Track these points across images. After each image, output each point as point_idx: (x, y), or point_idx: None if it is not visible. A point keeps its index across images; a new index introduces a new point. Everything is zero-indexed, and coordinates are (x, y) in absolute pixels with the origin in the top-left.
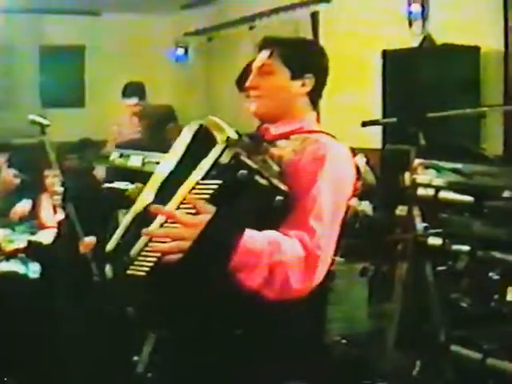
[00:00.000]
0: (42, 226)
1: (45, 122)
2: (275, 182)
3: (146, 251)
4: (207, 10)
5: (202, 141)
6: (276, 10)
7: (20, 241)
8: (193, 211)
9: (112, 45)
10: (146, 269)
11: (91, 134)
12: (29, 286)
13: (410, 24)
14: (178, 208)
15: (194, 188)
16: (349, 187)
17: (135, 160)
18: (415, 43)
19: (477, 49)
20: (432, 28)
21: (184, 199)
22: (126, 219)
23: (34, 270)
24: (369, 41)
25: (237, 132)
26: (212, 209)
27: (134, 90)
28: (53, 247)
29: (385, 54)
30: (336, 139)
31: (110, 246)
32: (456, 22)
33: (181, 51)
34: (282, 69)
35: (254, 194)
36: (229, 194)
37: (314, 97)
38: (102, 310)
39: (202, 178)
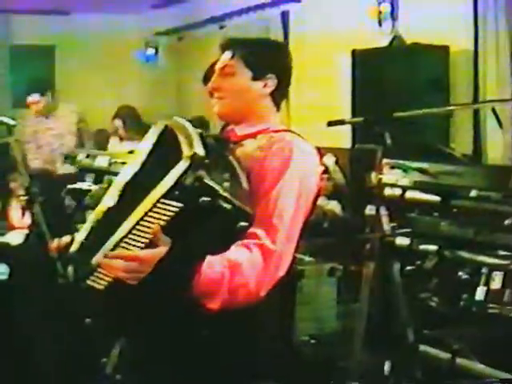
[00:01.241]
0: (10, 228)
1: (11, 122)
2: (240, 205)
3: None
4: (178, 9)
5: (167, 144)
6: (246, 10)
7: None
8: (149, 235)
9: (82, 44)
10: (104, 283)
11: None
12: None
13: (380, 23)
14: (137, 224)
15: (154, 206)
16: (314, 185)
17: (102, 160)
18: (385, 42)
19: (446, 48)
20: (401, 27)
21: (143, 218)
22: (88, 221)
23: (1, 271)
24: (338, 40)
25: (201, 133)
26: (168, 241)
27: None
28: (21, 248)
29: (354, 53)
30: (302, 137)
31: (73, 248)
32: (425, 21)
33: (151, 51)
34: (243, 70)
35: (216, 218)
36: (190, 218)
37: (278, 97)
38: (67, 312)
39: (164, 196)
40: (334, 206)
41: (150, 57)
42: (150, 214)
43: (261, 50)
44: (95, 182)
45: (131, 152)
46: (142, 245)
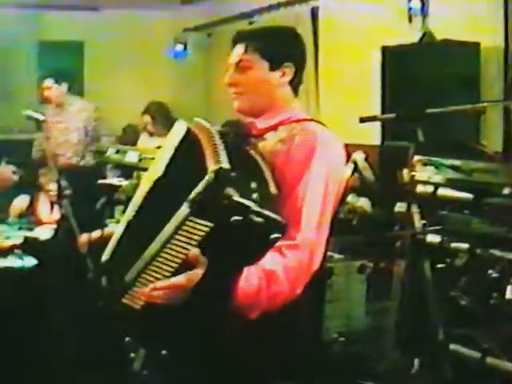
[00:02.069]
0: (39, 222)
1: (40, 117)
2: (271, 216)
3: (143, 283)
4: (206, 5)
5: (189, 151)
6: (276, 6)
7: (17, 237)
8: (182, 256)
9: (111, 40)
10: (141, 303)
11: None
12: (25, 282)
13: (410, 20)
14: (168, 242)
15: (183, 224)
16: (341, 174)
17: (132, 156)
18: (415, 39)
19: (477, 45)
20: (432, 24)
21: (173, 236)
22: (118, 228)
23: (30, 265)
24: (368, 36)
25: (221, 132)
26: (205, 262)
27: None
28: (49, 243)
29: (384, 49)
30: (324, 126)
31: (105, 257)
32: (456, 17)
33: (180, 47)
34: (259, 62)
35: (249, 234)
36: (222, 236)
37: (295, 84)
38: (96, 306)
39: (192, 214)
40: (364, 203)
41: (179, 53)
42: (180, 232)
43: (274, 40)
44: (126, 178)
45: (159, 147)
46: (176, 265)
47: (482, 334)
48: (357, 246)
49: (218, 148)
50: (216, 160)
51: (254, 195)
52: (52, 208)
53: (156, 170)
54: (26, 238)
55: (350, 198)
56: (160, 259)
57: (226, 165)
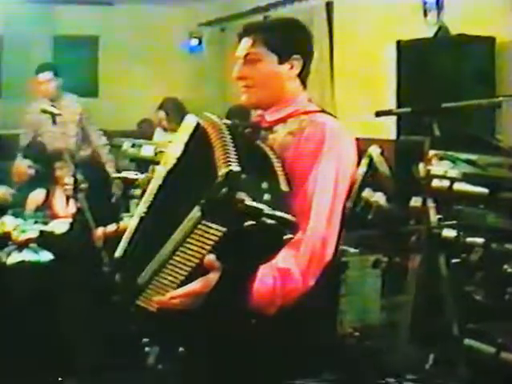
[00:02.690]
0: (54, 216)
1: (56, 111)
2: (283, 216)
3: (156, 286)
4: (221, 0)
5: (199, 148)
6: (291, 0)
7: (32, 231)
8: (196, 260)
9: (125, 35)
10: (157, 306)
11: (105, 123)
12: (41, 275)
13: (425, 14)
14: (181, 245)
15: (196, 227)
16: (350, 166)
17: (147, 150)
18: (430, 33)
19: (492, 39)
20: (447, 18)
21: (186, 239)
22: (131, 224)
23: (46, 259)
24: (383, 30)
25: (230, 125)
26: (219, 266)
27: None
28: (65, 237)
29: (399, 44)
30: (334, 117)
31: (118, 253)
32: (471, 12)
33: (195, 42)
34: (267, 55)
35: (262, 236)
36: (235, 240)
37: (304, 77)
38: (111, 300)
39: (204, 217)
40: (380, 198)
41: (194, 47)
42: (193, 236)
43: (282, 32)
44: (141, 172)
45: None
46: (190, 269)
47: (496, 329)
48: (372, 240)
49: (227, 147)
50: (226, 161)
51: (266, 196)
52: (68, 202)
53: (166, 165)
54: (41, 232)
55: (366, 193)
56: (173, 262)
57: (236, 167)
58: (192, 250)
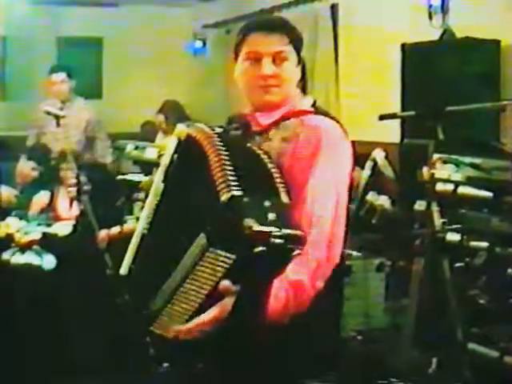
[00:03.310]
0: (58, 218)
1: (60, 113)
2: (290, 233)
3: (170, 313)
4: (226, 2)
5: (190, 159)
6: (296, 2)
7: (35, 232)
8: (209, 287)
9: (129, 37)
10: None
11: (108, 125)
12: (44, 278)
13: (430, 17)
14: (190, 273)
15: (203, 255)
16: (348, 167)
17: (151, 152)
18: (435, 36)
19: (497, 42)
20: (452, 21)
21: (194, 267)
22: (133, 241)
23: (49, 261)
24: (388, 33)
25: (222, 132)
26: (234, 289)
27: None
28: (68, 239)
29: (404, 47)
30: (327, 116)
31: (123, 270)
32: (476, 15)
33: (199, 44)
34: (293, 55)
35: (272, 256)
36: (246, 265)
37: (303, 83)
38: (114, 303)
39: (210, 244)
40: (384, 201)
41: (198, 49)
42: (202, 263)
43: (299, 35)
44: (145, 174)
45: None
46: (203, 296)
47: (500, 333)
48: (376, 244)
49: (225, 166)
50: (226, 185)
51: (270, 216)
52: (71, 204)
53: (159, 178)
54: (44, 234)
55: (370, 196)
56: (185, 290)
57: (237, 191)
58: (203, 277)
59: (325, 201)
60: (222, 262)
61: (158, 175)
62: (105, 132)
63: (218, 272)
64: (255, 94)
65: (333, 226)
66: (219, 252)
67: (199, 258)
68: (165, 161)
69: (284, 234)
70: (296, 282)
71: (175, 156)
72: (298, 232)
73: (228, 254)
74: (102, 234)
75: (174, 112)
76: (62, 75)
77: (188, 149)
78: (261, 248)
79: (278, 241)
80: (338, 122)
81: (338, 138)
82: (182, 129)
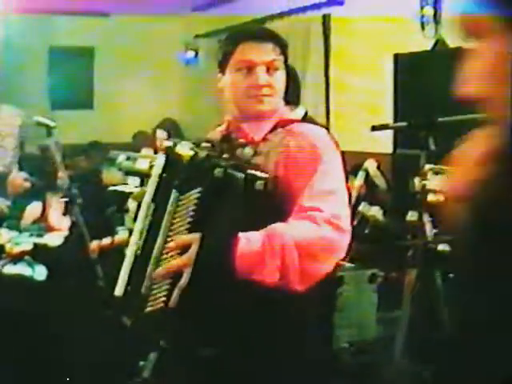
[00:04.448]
0: (50, 229)
1: (51, 123)
2: (251, 171)
3: (156, 284)
4: (218, 12)
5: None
6: (287, 12)
7: (26, 243)
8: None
9: (121, 47)
10: (163, 299)
11: (100, 135)
12: (34, 289)
13: (423, 27)
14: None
15: (178, 205)
16: (342, 173)
17: (142, 163)
18: (427, 47)
19: None
20: (445, 31)
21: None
22: (126, 262)
23: (40, 272)
24: (380, 44)
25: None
26: (195, 237)
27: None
28: (59, 250)
29: (397, 57)
30: (317, 125)
31: (118, 291)
32: None
33: (191, 54)
34: (283, 65)
35: (235, 187)
36: (212, 198)
37: (297, 93)
38: (105, 315)
39: (180, 192)
40: (376, 212)
41: (190, 59)
42: (175, 216)
43: (287, 44)
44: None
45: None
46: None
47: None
48: (368, 254)
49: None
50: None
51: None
52: (63, 215)
53: (149, 198)
54: (35, 245)
55: (362, 207)
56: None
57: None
58: (176, 231)
59: (325, 197)
60: (191, 200)
61: (148, 194)
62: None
63: (190, 210)
64: (247, 104)
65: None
66: (186, 195)
67: (174, 211)
68: (153, 180)
69: (244, 167)
70: (273, 232)
71: (164, 175)
72: (260, 173)
73: (193, 192)
74: (94, 244)
75: (175, 131)
76: None
77: (175, 167)
78: (218, 170)
79: (238, 174)
80: (328, 131)
81: (331, 145)
82: (169, 145)
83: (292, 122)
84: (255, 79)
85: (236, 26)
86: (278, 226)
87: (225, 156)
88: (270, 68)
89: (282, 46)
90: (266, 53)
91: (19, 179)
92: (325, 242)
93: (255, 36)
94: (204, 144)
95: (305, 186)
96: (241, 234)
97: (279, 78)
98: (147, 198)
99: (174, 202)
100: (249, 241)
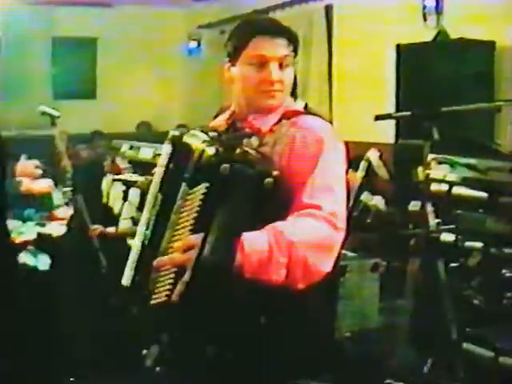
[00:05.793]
0: (53, 218)
1: (55, 113)
2: (260, 166)
3: (160, 278)
4: (220, 2)
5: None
6: (290, 3)
7: (30, 232)
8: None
9: (124, 37)
10: (167, 293)
11: (102, 125)
12: (38, 278)
13: (425, 18)
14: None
15: (186, 200)
16: (344, 166)
17: (146, 152)
18: (429, 37)
19: (492, 43)
20: (446, 22)
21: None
22: (133, 250)
23: (43, 261)
24: (383, 34)
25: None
26: (197, 237)
27: None
28: (63, 239)
29: (399, 47)
30: (320, 117)
31: (125, 281)
32: (471, 16)
33: (193, 44)
34: (293, 61)
35: (242, 184)
36: (219, 194)
37: (294, 86)
38: (109, 303)
39: (189, 186)
40: (378, 202)
41: (193, 50)
42: (184, 208)
43: (298, 38)
44: (142, 174)
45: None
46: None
47: (495, 334)
48: (370, 244)
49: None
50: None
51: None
52: (66, 204)
53: (155, 189)
54: (39, 234)
55: (364, 197)
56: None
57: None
58: (186, 216)
59: (325, 194)
60: (198, 195)
61: (154, 185)
62: None
63: (197, 205)
64: (257, 99)
65: (341, 211)
66: (195, 189)
67: (182, 206)
68: (159, 170)
69: (253, 161)
70: (275, 229)
71: (170, 165)
72: (269, 168)
73: (201, 185)
74: (96, 228)
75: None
76: None
77: (183, 158)
78: (225, 165)
79: (247, 170)
80: (330, 123)
81: (334, 137)
82: (175, 135)
83: (297, 113)
84: (268, 74)
85: (238, 17)
86: (281, 224)
87: (233, 149)
88: (282, 64)
89: (295, 41)
90: (279, 48)
91: (30, 167)
92: (325, 239)
93: (269, 30)
94: (211, 133)
95: (306, 181)
96: (245, 234)
97: (290, 73)
98: (154, 189)
99: (183, 195)
100: (255, 240)
